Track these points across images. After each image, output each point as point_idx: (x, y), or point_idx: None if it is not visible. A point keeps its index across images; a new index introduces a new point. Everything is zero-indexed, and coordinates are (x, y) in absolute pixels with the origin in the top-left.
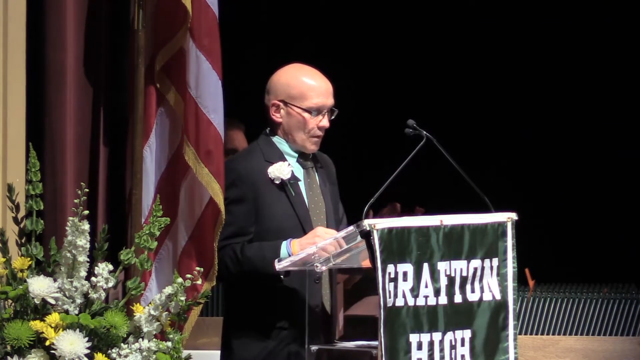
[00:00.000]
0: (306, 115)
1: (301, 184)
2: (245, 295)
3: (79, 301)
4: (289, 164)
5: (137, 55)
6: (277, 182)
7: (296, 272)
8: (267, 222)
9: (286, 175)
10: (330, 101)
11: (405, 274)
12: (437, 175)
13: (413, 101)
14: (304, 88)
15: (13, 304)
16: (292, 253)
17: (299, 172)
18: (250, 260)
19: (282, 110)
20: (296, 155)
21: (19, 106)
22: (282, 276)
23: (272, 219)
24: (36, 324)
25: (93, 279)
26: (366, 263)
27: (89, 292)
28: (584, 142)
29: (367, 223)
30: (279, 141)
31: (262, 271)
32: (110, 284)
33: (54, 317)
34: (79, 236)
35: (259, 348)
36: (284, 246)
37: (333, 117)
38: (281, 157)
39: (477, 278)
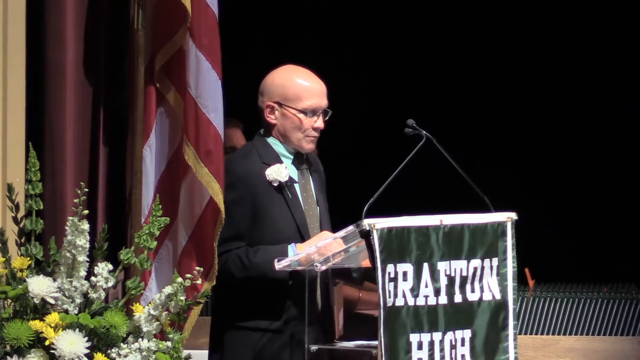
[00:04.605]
0: (301, 116)
1: (296, 186)
2: (243, 296)
3: (78, 301)
4: (286, 167)
5: (137, 55)
6: (275, 184)
7: (300, 274)
8: (265, 224)
9: (284, 178)
10: (324, 102)
11: (405, 273)
12: (437, 175)
13: (413, 101)
14: (299, 89)
15: (13, 304)
16: None
17: (294, 174)
18: (258, 265)
19: (276, 112)
20: (292, 156)
21: (19, 106)
22: (290, 282)
23: (269, 222)
24: (36, 324)
25: (93, 278)
26: (366, 263)
27: (89, 291)
28: (584, 141)
29: (366, 223)
30: (274, 142)
31: (270, 276)
32: (110, 284)
33: (53, 317)
34: (78, 236)
35: (256, 349)
36: (291, 250)
37: (327, 118)
38: (277, 159)
39: (477, 278)
